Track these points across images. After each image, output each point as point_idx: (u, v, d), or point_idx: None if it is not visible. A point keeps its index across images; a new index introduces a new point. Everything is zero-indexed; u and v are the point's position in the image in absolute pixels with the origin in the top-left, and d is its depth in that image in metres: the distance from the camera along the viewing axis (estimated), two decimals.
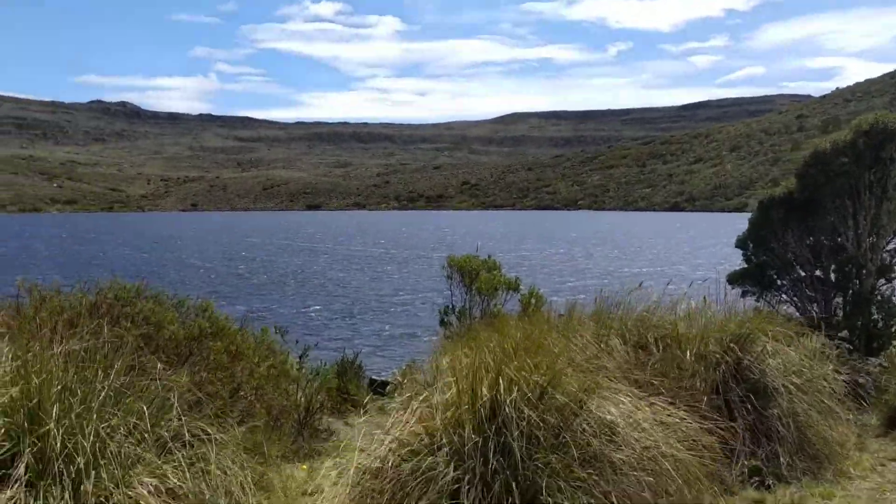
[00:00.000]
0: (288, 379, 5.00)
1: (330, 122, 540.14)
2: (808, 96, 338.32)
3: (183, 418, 3.54)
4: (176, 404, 3.58)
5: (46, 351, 3.47)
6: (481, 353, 4.95)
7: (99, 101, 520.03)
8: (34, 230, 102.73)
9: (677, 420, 4.96)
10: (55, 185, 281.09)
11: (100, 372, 3.59)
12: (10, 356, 3.50)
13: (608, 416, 4.69)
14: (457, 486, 4.27)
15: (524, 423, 4.41)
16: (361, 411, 7.39)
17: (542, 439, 4.45)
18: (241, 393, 4.02)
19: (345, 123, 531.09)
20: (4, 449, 3.24)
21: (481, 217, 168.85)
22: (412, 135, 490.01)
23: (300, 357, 5.86)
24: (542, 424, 4.48)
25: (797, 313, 10.31)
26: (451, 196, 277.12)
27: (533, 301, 9.74)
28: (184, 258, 52.41)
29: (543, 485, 4.25)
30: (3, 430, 3.28)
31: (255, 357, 4.27)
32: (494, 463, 4.29)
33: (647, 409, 4.91)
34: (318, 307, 27.38)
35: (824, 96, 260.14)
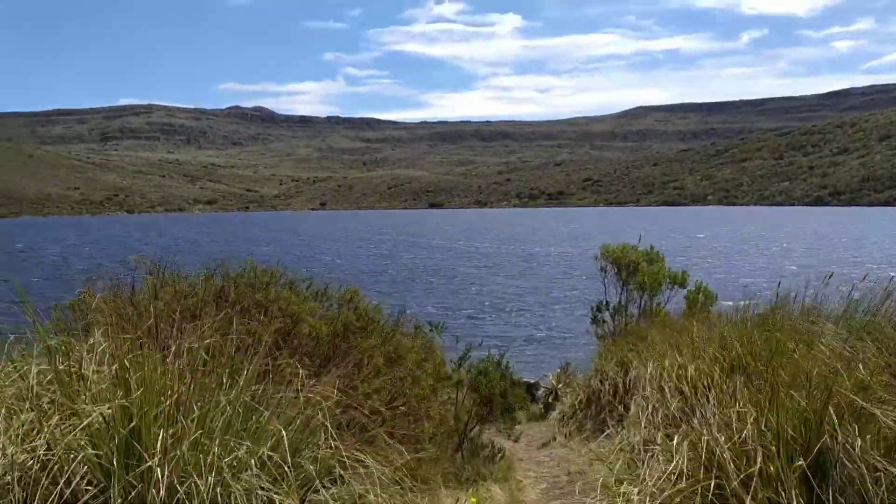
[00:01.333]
0: (448, 384, 4.09)
1: (451, 121, 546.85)
2: None
3: (333, 443, 2.71)
4: (327, 423, 2.72)
5: (156, 350, 2.64)
6: (703, 362, 3.76)
7: (237, 107, 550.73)
8: (183, 228, 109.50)
9: None
10: (198, 186, 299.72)
11: (225, 380, 2.77)
12: (109, 357, 2.72)
13: None
14: None
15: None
16: (516, 423, 6.43)
17: None
18: (401, 406, 3.12)
19: (466, 122, 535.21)
20: (89, 493, 2.27)
21: (607, 213, 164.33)
22: (533, 132, 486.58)
23: (460, 359, 5.00)
24: None
25: None
26: (572, 193, 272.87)
27: (702, 298, 8.41)
28: (315, 255, 53.60)
29: None
30: (90, 466, 2.35)
31: (415, 358, 3.37)
32: None
33: None
34: (450, 303, 26.64)
35: None
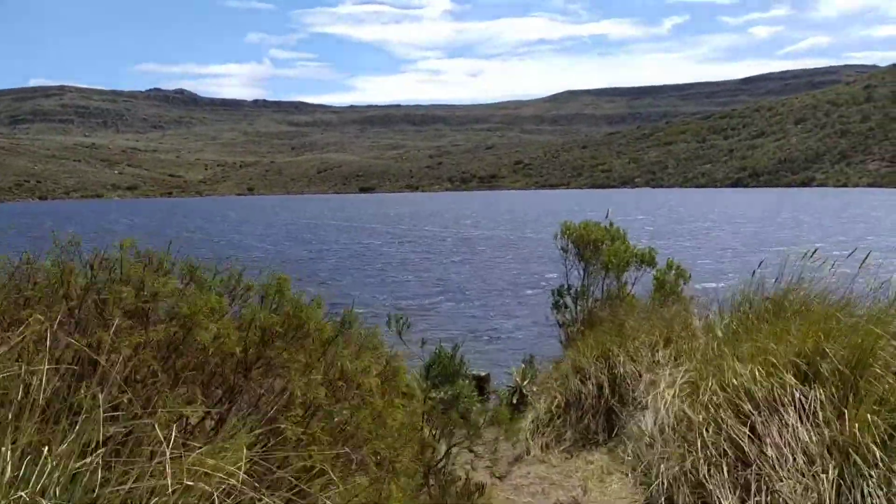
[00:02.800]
0: (411, 403, 3.04)
1: (382, 104, 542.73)
2: (875, 66, 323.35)
3: None
4: None
5: None
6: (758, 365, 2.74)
7: (157, 90, 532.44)
8: (101, 215, 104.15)
9: None
10: (116, 171, 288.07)
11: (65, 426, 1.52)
12: None
13: None
14: None
15: None
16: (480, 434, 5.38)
17: None
18: (355, 459, 1.96)
19: (396, 106, 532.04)
20: None
21: (540, 196, 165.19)
22: (464, 116, 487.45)
23: (427, 368, 3.92)
24: None
25: None
26: (503, 176, 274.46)
27: (673, 278, 7.56)
28: (240, 240, 51.30)
29: None
30: None
31: (374, 382, 2.18)
32: None
33: None
34: (388, 293, 25.32)
35: (893, 65, 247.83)
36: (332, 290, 24.62)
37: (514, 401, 6.15)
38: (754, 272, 5.51)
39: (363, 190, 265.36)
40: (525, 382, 6.15)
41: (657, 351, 5.08)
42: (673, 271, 7.70)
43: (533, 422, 5.31)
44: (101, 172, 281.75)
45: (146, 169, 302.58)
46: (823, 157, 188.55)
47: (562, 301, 8.35)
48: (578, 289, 8.29)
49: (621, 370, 5.06)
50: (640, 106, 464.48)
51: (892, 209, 68.43)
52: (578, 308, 8.36)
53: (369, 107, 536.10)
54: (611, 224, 8.56)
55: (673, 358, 4.76)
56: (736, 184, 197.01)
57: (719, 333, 4.64)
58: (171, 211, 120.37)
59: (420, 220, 73.18)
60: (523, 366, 6.48)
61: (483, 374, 11.51)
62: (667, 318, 5.54)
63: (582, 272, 8.47)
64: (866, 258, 5.43)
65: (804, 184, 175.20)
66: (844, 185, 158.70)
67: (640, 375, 4.88)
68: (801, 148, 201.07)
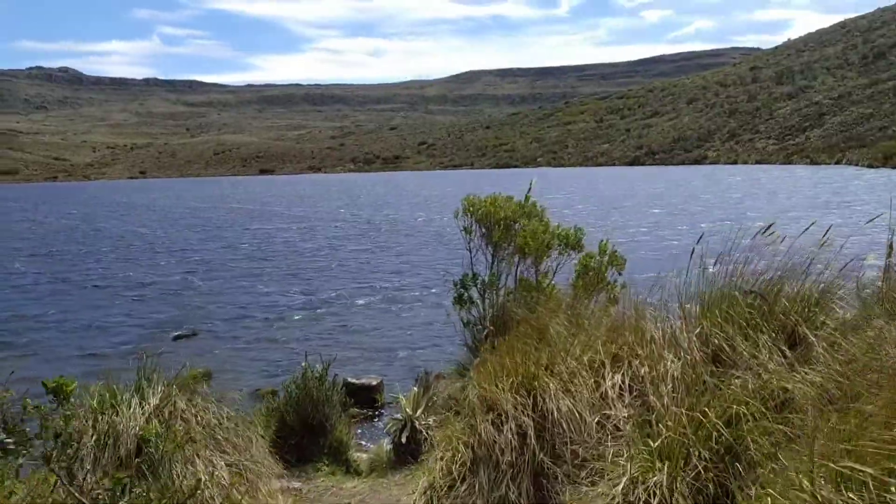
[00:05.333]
0: None
1: (280, 84, 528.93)
2: (758, 49, 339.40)
3: None
4: None
5: None
6: None
7: (39, 68, 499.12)
8: None
9: None
10: None
11: None
12: None
13: None
14: None
15: None
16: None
17: None
18: None
19: (296, 85, 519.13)
20: None
21: (444, 176, 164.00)
22: (366, 96, 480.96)
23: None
24: None
25: None
26: (407, 157, 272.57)
27: (605, 264, 6.07)
28: (107, 227, 47.31)
29: None
30: None
31: None
32: None
33: None
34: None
35: (776, 48, 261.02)
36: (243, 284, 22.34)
37: (404, 439, 4.49)
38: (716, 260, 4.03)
39: (263, 172, 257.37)
40: (418, 413, 4.50)
41: (603, 376, 3.55)
42: (605, 256, 6.20)
43: (426, 492, 3.67)
44: None
45: (28, 152, 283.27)
46: (714, 135, 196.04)
47: (465, 294, 6.78)
48: (486, 278, 6.74)
49: (553, 408, 3.51)
50: (541, 87, 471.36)
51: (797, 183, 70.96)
52: (487, 303, 6.82)
53: (267, 86, 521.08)
54: (526, 199, 7.02)
55: (629, 389, 3.26)
56: (633, 162, 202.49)
57: (696, 354, 3.12)
58: (51, 196, 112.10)
59: (332, 201, 70.45)
60: (415, 389, 4.81)
61: (372, 381, 9.84)
62: (613, 323, 4.00)
63: (490, 258, 6.92)
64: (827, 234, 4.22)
65: (697, 161, 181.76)
66: (734, 163, 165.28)
67: (582, 417, 3.34)
68: (694, 127, 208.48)
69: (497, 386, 3.93)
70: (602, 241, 6.44)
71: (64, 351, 13.76)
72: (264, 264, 26.08)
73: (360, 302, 18.34)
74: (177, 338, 14.64)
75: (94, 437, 3.68)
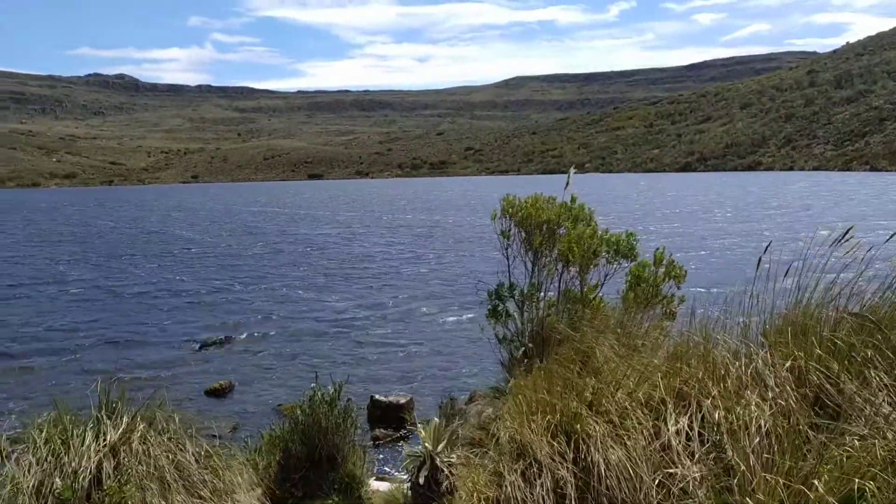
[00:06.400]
0: None
1: (330, 90, 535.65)
2: (815, 53, 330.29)
3: None
4: None
5: None
6: None
7: (97, 75, 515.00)
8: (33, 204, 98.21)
9: None
10: (54, 159, 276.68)
11: None
12: None
13: None
14: None
15: None
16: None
17: None
18: None
19: (345, 92, 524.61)
20: None
21: (491, 182, 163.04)
22: (414, 101, 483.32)
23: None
24: None
25: None
26: (454, 162, 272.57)
27: (659, 276, 5.25)
28: (169, 230, 47.72)
29: None
30: None
31: None
32: None
33: None
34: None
35: (835, 51, 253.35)
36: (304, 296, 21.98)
37: (422, 479, 3.78)
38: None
39: (312, 177, 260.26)
40: (440, 448, 3.79)
41: (664, 419, 2.77)
42: (661, 268, 5.38)
43: None
44: (38, 160, 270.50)
45: (86, 156, 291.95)
46: (769, 141, 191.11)
47: (501, 307, 6.05)
48: (525, 289, 6.01)
49: (599, 459, 2.73)
50: (588, 92, 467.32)
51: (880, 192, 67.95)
52: (525, 316, 6.07)
53: (317, 92, 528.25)
54: (572, 200, 6.25)
55: (699, 439, 2.48)
56: (684, 168, 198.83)
57: (790, 397, 2.30)
58: (106, 199, 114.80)
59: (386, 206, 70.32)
60: (437, 420, 4.09)
61: (401, 399, 9.13)
62: (676, 349, 3.19)
63: (530, 266, 6.19)
64: None
65: (750, 168, 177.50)
66: (790, 169, 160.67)
67: (637, 474, 2.57)
68: (747, 132, 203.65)
69: (530, 426, 3.16)
70: (657, 248, 5.60)
71: (87, 362, 13.39)
72: (306, 271, 25.67)
73: (398, 311, 17.69)
74: (203, 347, 14.16)
75: (32, 481, 3.06)
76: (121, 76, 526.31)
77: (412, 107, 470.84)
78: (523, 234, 6.21)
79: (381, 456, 7.72)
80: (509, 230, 6.28)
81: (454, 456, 3.77)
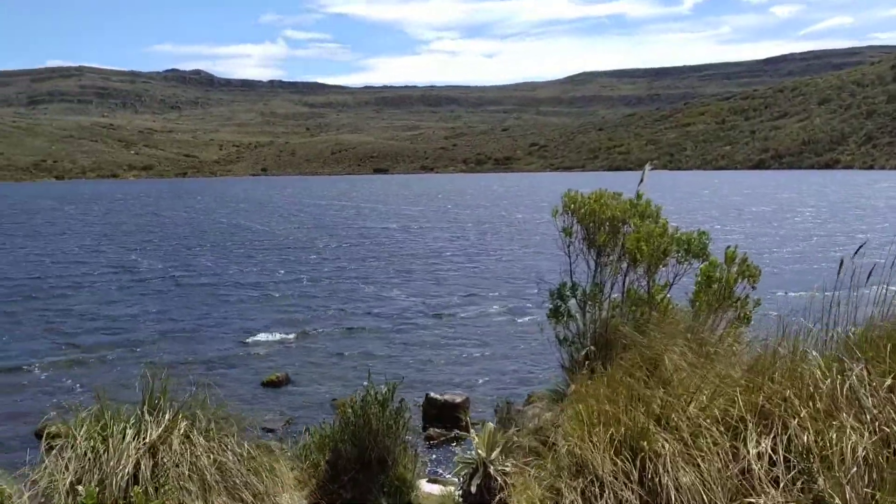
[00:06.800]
0: None
1: (397, 85, 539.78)
2: None
3: None
4: None
5: None
6: None
7: (174, 70, 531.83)
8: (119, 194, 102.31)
9: None
10: (132, 152, 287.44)
11: None
12: None
13: None
14: None
15: None
16: None
17: None
18: None
19: (412, 87, 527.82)
20: None
21: (557, 178, 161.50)
22: (480, 97, 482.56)
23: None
24: None
25: None
26: (518, 158, 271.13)
27: (731, 276, 4.90)
28: (240, 222, 48.83)
29: None
30: None
31: None
32: None
33: None
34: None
35: None
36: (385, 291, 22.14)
37: (474, 488, 3.57)
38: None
39: (377, 171, 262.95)
40: (493, 455, 3.56)
41: (744, 439, 2.48)
42: (734, 266, 5.02)
43: None
44: (117, 152, 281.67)
45: (162, 149, 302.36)
46: (848, 138, 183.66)
47: (563, 307, 5.79)
48: (587, 289, 5.72)
49: (668, 481, 2.46)
50: (658, 87, 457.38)
51: None
52: (588, 317, 5.79)
53: (385, 88, 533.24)
54: (639, 196, 5.92)
55: (783, 463, 2.19)
56: (758, 166, 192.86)
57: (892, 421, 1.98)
58: (180, 190, 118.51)
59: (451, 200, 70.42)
60: (491, 426, 3.86)
61: (457, 398, 8.93)
62: (756, 361, 2.88)
63: (593, 265, 5.90)
64: None
65: (828, 166, 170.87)
66: (871, 167, 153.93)
67: (712, 501, 2.29)
68: (826, 129, 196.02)
69: (592, 439, 2.90)
70: (729, 247, 5.21)
71: (149, 352, 13.63)
72: (371, 266, 25.78)
73: (457, 308, 17.54)
74: (263, 339, 14.36)
75: (70, 478, 2.97)
76: (197, 72, 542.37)
77: (478, 102, 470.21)
78: (585, 231, 5.93)
79: (434, 456, 7.55)
80: (571, 227, 6.00)
81: (509, 464, 3.54)
